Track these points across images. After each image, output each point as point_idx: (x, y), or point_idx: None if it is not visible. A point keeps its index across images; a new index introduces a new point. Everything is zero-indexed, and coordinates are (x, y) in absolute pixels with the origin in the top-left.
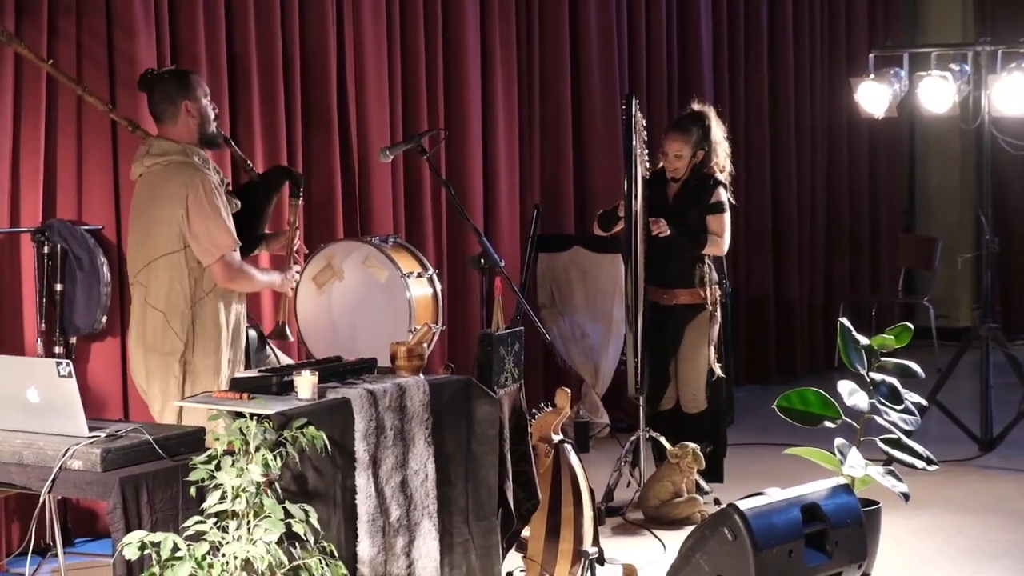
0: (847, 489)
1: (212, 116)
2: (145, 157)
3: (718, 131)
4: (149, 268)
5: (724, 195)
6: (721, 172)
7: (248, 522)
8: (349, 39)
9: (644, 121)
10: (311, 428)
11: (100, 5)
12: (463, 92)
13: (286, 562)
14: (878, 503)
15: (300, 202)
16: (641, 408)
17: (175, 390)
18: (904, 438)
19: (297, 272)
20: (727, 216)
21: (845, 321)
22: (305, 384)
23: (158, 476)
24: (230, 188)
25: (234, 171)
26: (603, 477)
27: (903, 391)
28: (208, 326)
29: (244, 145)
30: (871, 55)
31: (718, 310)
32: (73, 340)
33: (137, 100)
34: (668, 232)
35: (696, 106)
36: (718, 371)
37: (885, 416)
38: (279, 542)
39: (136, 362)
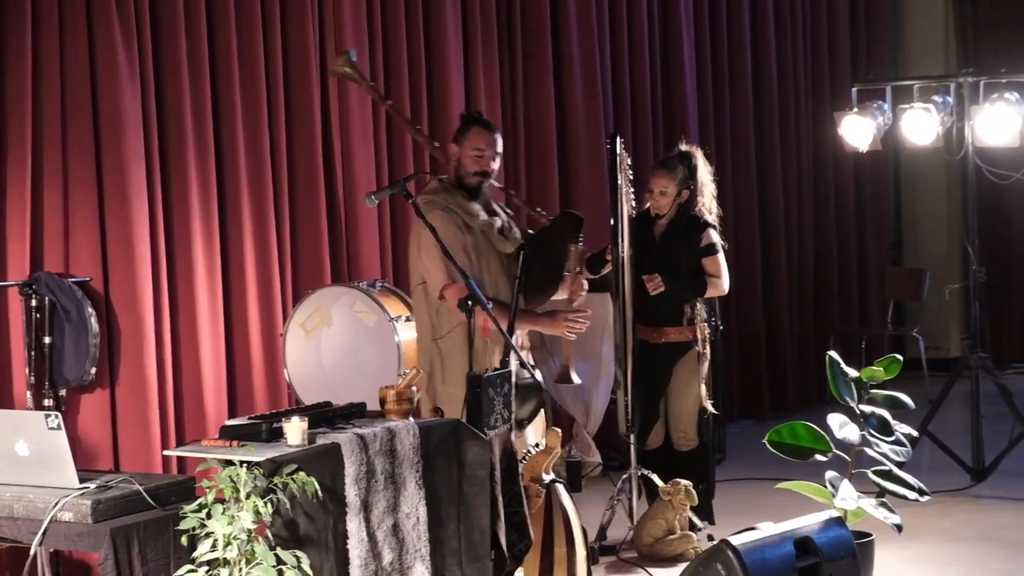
0: (840, 522)
1: (471, 168)
2: (420, 193)
3: (704, 171)
4: (413, 295)
5: (715, 236)
6: (709, 213)
7: (240, 569)
8: (333, 84)
9: (629, 160)
10: (301, 474)
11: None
12: (447, 135)
13: None
14: (871, 535)
15: (581, 246)
16: (632, 446)
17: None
18: (895, 469)
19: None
20: (721, 256)
21: (833, 354)
22: (295, 430)
23: (149, 526)
24: (502, 230)
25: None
26: (596, 516)
27: (893, 422)
28: (454, 359)
29: (230, 188)
30: (854, 89)
31: (707, 348)
32: (63, 392)
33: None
34: (663, 289)
35: (683, 146)
36: (710, 408)
37: (876, 448)
38: None
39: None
